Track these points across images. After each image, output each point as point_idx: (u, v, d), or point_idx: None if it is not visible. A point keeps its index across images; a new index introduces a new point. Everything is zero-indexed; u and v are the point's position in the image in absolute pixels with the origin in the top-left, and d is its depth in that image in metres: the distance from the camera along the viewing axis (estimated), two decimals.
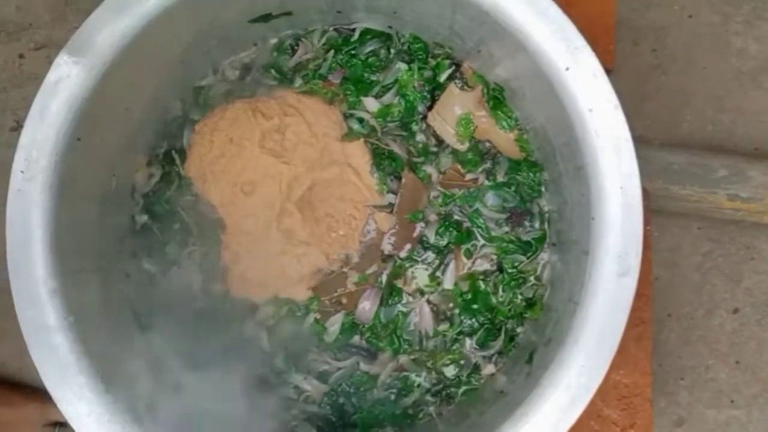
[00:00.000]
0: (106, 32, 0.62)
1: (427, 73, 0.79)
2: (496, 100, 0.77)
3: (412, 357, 0.78)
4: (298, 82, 0.79)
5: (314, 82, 0.79)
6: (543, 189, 0.77)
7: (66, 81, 0.61)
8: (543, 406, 0.60)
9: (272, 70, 0.80)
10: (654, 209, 0.99)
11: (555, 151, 0.70)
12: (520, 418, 0.60)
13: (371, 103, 0.79)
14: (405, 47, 0.79)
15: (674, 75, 1.08)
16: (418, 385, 0.77)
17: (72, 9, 1.13)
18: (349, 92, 0.79)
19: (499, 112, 0.77)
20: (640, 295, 0.77)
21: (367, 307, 0.77)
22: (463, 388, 0.77)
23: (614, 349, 0.59)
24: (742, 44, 1.07)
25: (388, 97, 0.79)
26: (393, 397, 0.77)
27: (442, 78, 0.79)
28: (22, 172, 0.61)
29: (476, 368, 0.77)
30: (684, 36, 1.08)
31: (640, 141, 1.02)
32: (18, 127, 1.11)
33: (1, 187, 1.00)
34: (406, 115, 0.79)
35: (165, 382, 0.73)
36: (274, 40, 0.80)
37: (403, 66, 0.79)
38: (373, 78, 0.79)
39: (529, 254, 0.77)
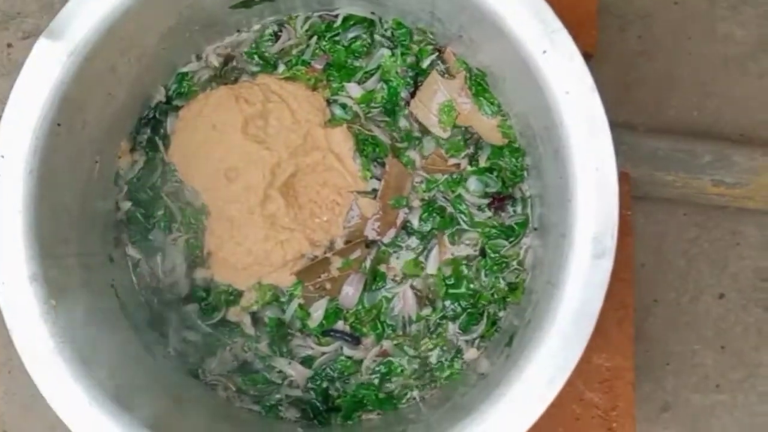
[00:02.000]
0: (86, 16, 0.62)
1: (410, 59, 0.79)
2: (479, 86, 0.77)
3: (396, 342, 0.78)
4: (282, 68, 0.79)
5: (297, 68, 0.79)
6: (525, 174, 0.78)
7: (46, 65, 0.61)
8: (519, 386, 0.60)
9: (255, 56, 0.80)
10: (639, 195, 1.00)
11: (535, 135, 0.70)
12: (498, 398, 0.60)
13: (354, 89, 0.79)
14: (388, 33, 0.79)
15: (660, 61, 1.08)
16: (402, 370, 0.78)
17: None
18: (332, 78, 0.79)
19: (482, 99, 0.77)
20: (621, 279, 0.78)
21: (350, 292, 0.77)
22: (446, 372, 0.78)
23: (590, 330, 0.60)
24: (727, 30, 1.07)
25: (371, 83, 0.79)
26: (377, 381, 0.78)
27: (425, 64, 0.79)
28: (2, 156, 0.61)
29: (459, 352, 0.77)
30: (670, 22, 1.08)
31: (625, 127, 1.03)
32: None
33: None
34: (389, 101, 0.79)
35: (148, 367, 0.74)
36: (257, 26, 0.80)
37: (386, 52, 0.79)
38: (357, 64, 0.79)
39: (511, 239, 0.77)
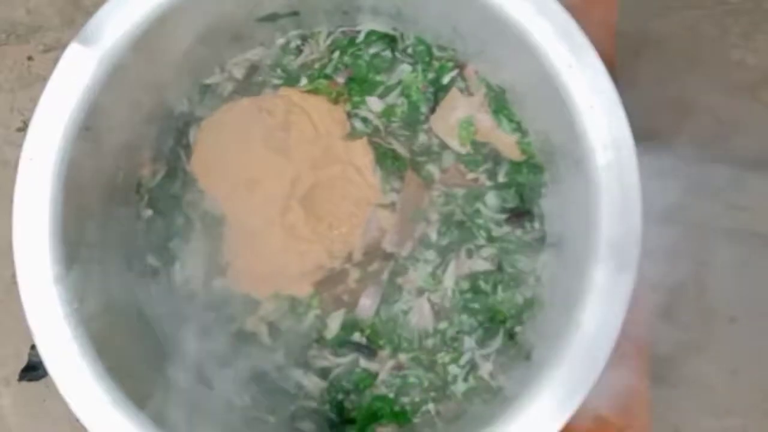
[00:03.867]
0: (117, 23, 0.63)
1: (431, 75, 0.80)
2: (499, 102, 0.78)
3: (411, 355, 0.78)
4: (304, 81, 0.80)
5: (319, 81, 0.80)
6: (543, 190, 0.78)
7: (76, 69, 0.62)
8: (539, 401, 0.60)
9: (278, 70, 0.81)
10: None
11: (555, 151, 0.71)
12: (517, 411, 0.60)
13: (375, 103, 0.80)
14: (409, 50, 0.81)
15: (673, 86, 1.09)
16: (417, 383, 0.78)
17: (82, 12, 1.14)
18: (353, 92, 0.80)
19: (501, 115, 0.78)
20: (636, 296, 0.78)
21: (367, 304, 0.78)
22: (462, 386, 0.77)
23: (612, 345, 0.60)
24: (740, 57, 1.09)
25: (392, 98, 0.80)
26: (392, 394, 0.78)
27: (445, 80, 0.80)
28: (30, 159, 0.62)
29: (475, 366, 0.77)
30: (683, 48, 1.09)
31: None
32: (24, 128, 1.12)
33: (9, 186, 1.01)
34: (409, 116, 0.80)
35: (165, 374, 0.74)
36: (280, 40, 0.81)
37: (407, 68, 0.80)
38: (378, 78, 0.80)
39: (529, 254, 0.77)
